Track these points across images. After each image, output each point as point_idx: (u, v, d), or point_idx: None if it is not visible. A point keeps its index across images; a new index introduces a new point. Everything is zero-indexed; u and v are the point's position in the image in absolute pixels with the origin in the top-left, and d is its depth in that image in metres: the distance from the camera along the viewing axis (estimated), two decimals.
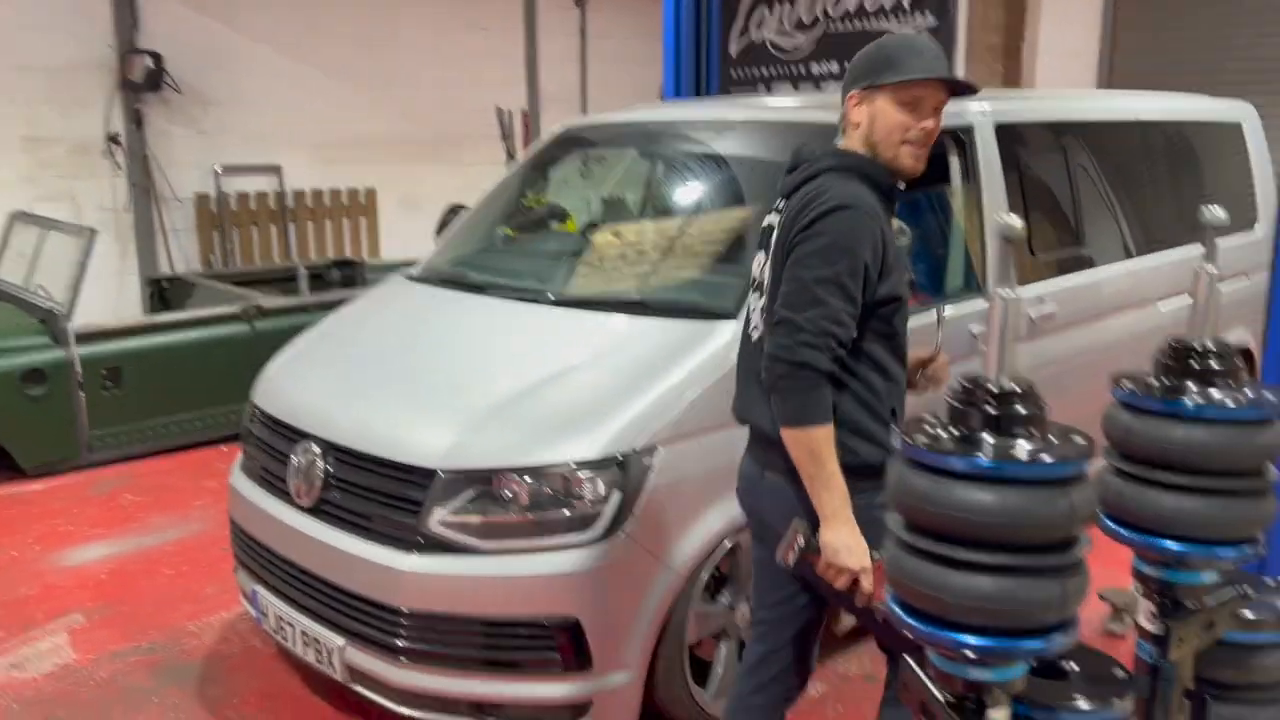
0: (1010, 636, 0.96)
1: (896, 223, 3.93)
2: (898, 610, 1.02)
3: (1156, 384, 1.20)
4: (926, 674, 1.03)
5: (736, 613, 3.22)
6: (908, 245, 3.95)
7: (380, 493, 3.01)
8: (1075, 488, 0.94)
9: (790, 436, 2.04)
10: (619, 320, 3.35)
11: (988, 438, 0.95)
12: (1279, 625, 1.31)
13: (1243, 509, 1.19)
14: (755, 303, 2.35)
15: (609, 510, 2.86)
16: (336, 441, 3.15)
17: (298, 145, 8.19)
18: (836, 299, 2.02)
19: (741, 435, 3.12)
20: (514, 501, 2.88)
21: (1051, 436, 0.96)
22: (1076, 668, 1.16)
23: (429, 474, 2.91)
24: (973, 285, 4.06)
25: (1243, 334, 5.12)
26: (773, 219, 2.36)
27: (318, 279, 6.98)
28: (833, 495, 1.86)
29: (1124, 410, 1.21)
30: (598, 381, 3.10)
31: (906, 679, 1.05)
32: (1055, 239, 4.30)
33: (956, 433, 0.98)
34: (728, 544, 3.11)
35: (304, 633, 3.12)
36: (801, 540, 1.92)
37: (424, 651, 2.90)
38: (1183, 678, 1.25)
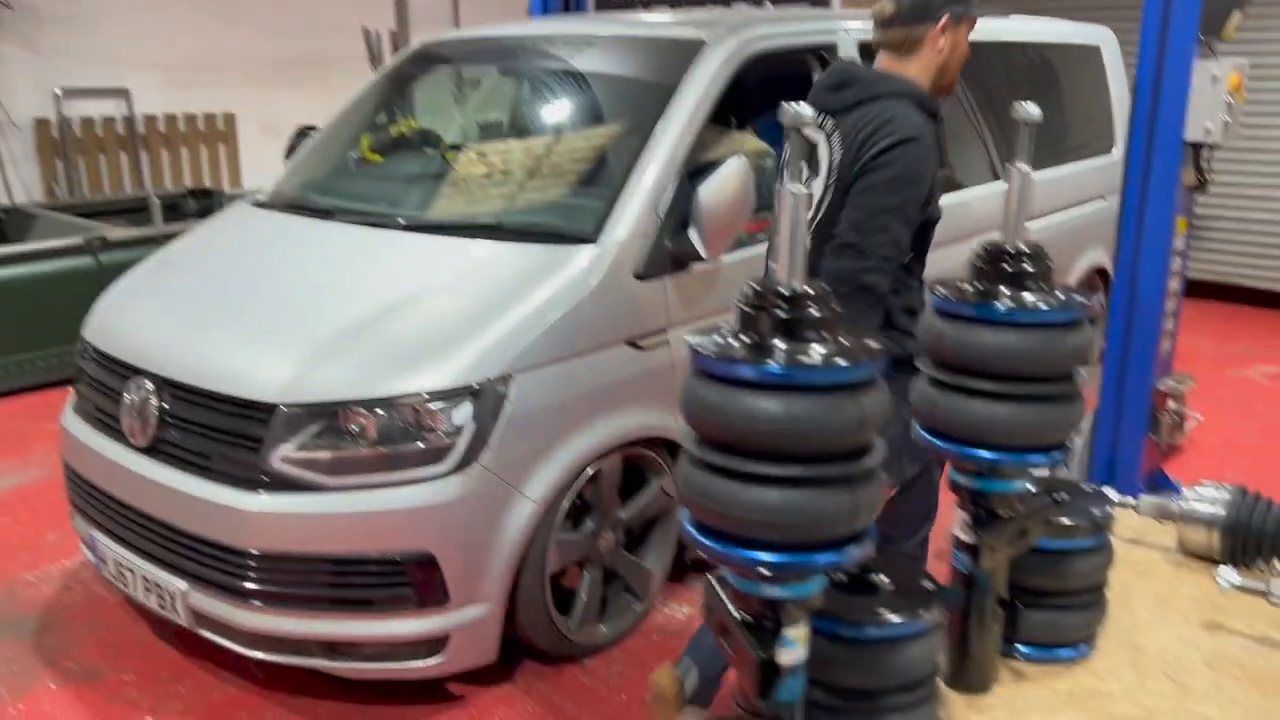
0: (803, 551, 0.91)
1: (762, 145, 3.89)
2: (690, 530, 0.96)
3: (969, 289, 1.16)
4: (725, 594, 0.98)
5: (600, 540, 3.18)
6: (771, 167, 3.92)
7: (219, 430, 2.85)
8: (865, 393, 0.89)
9: None
10: (473, 245, 3.23)
11: (779, 343, 0.88)
12: (1092, 531, 1.31)
13: (1053, 415, 1.16)
14: None
15: (463, 442, 2.77)
16: (171, 377, 2.97)
17: (146, 66, 7.68)
18: (899, 226, 2.20)
19: (598, 362, 3.06)
20: (362, 435, 2.76)
21: (844, 340, 0.90)
22: (887, 581, 1.12)
23: (269, 409, 2.76)
24: None
25: (1100, 255, 5.27)
26: (813, 133, 2.35)
27: (172, 209, 6.61)
28: None
29: (937, 317, 1.17)
30: (449, 309, 2.99)
31: (708, 600, 1.00)
32: None
33: (747, 340, 0.91)
34: (589, 471, 3.05)
35: (145, 578, 2.97)
36: None
37: (272, 593, 2.78)
38: (997, 586, 1.23)
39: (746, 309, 0.92)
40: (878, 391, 0.92)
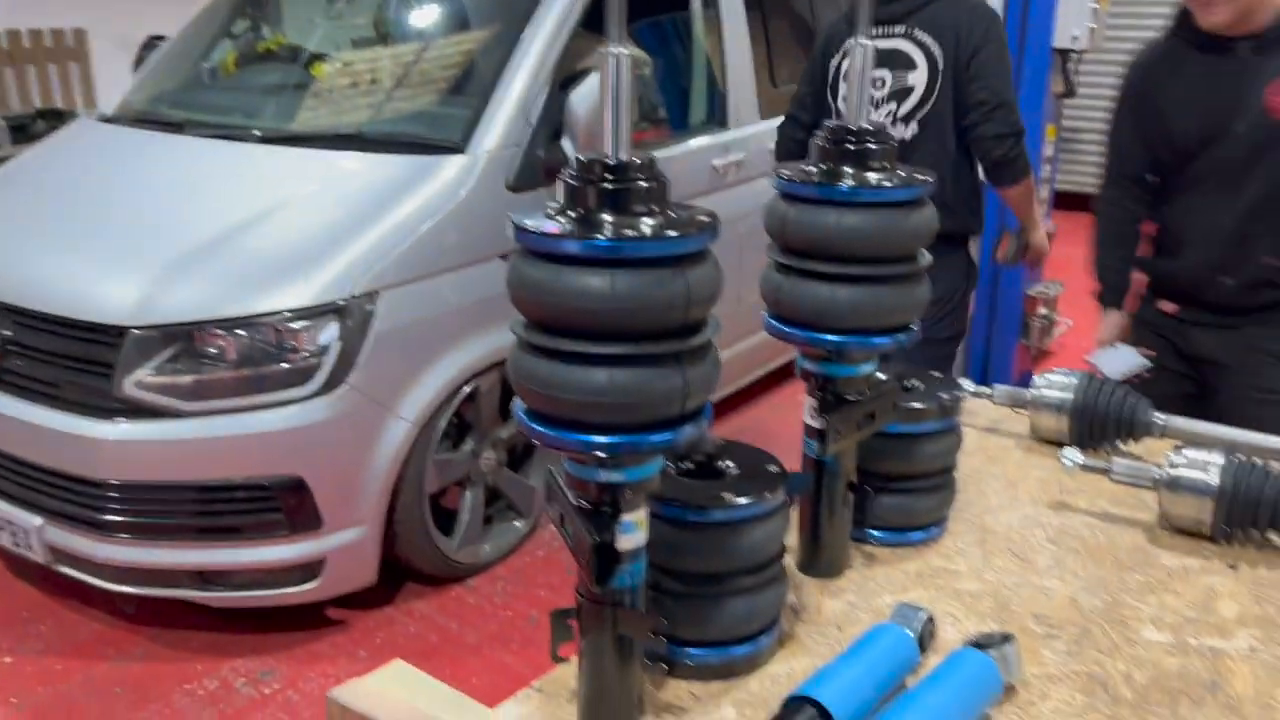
0: (636, 432, 0.87)
1: (640, 53, 3.80)
2: (523, 417, 0.91)
3: (813, 170, 1.13)
4: (562, 481, 0.95)
5: (481, 459, 3.14)
6: (649, 76, 3.84)
7: (68, 356, 2.70)
8: (692, 267, 0.86)
9: (1023, 185, 2.77)
10: (335, 157, 3.09)
11: (606, 217, 0.84)
12: (940, 415, 1.32)
13: (897, 296, 1.15)
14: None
15: (329, 362, 2.68)
16: (13, 303, 2.79)
17: None
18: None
19: (471, 277, 2.98)
20: (221, 358, 2.65)
21: (673, 213, 0.85)
22: (733, 466, 1.11)
23: (119, 332, 2.62)
24: (716, 118, 4.01)
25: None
26: (891, 43, 2.71)
27: (20, 131, 6.18)
28: (1034, 210, 2.90)
29: (781, 200, 1.14)
30: (311, 223, 2.86)
31: (548, 492, 0.96)
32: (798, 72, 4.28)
33: (574, 214, 0.86)
34: (466, 389, 3.00)
35: None
36: (1015, 242, 3.04)
37: (135, 525, 2.67)
38: (845, 471, 1.23)
39: (572, 182, 0.87)
40: (708, 266, 0.89)
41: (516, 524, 3.35)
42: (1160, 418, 1.56)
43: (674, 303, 0.85)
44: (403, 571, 3.08)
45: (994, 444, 1.66)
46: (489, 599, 3.11)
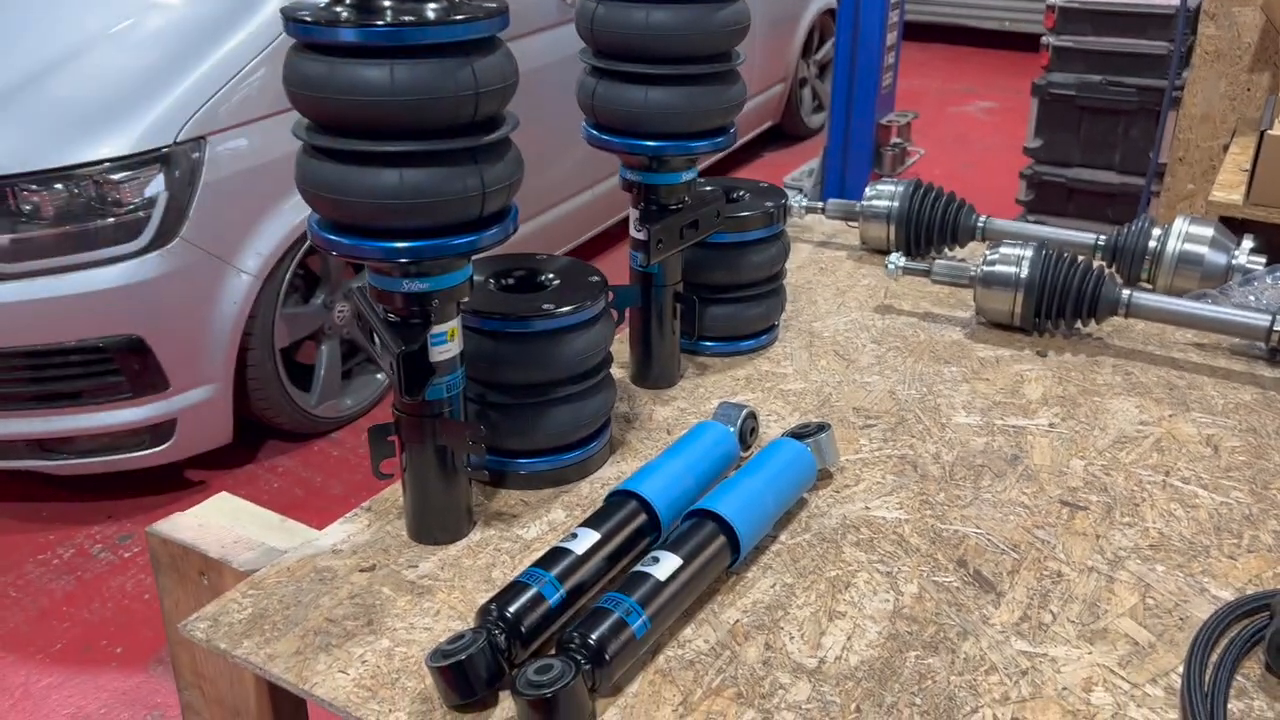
0: (437, 236, 0.85)
1: None
2: (316, 229, 0.88)
3: None
4: (369, 296, 0.92)
5: (334, 312, 3.06)
6: None
7: None
8: (480, 56, 0.82)
9: None
10: None
11: (385, 1, 0.79)
12: (765, 223, 1.32)
13: (712, 97, 1.13)
14: None
15: (157, 214, 2.54)
16: None
17: None
18: None
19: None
20: (37, 214, 2.48)
21: None
22: (555, 279, 1.10)
23: None
24: None
25: None
26: None
27: None
28: None
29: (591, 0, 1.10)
30: (126, 64, 2.66)
31: (354, 310, 0.93)
32: None
33: (352, 1, 0.81)
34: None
35: None
36: None
37: None
38: (671, 282, 1.23)
39: None
40: (498, 55, 0.85)
41: (378, 376, 3.31)
42: (981, 219, 1.61)
43: (461, 95, 0.82)
44: (263, 429, 3.03)
45: (827, 256, 1.70)
46: (353, 451, 3.09)
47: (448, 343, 0.94)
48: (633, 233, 1.21)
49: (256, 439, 3.05)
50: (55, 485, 2.80)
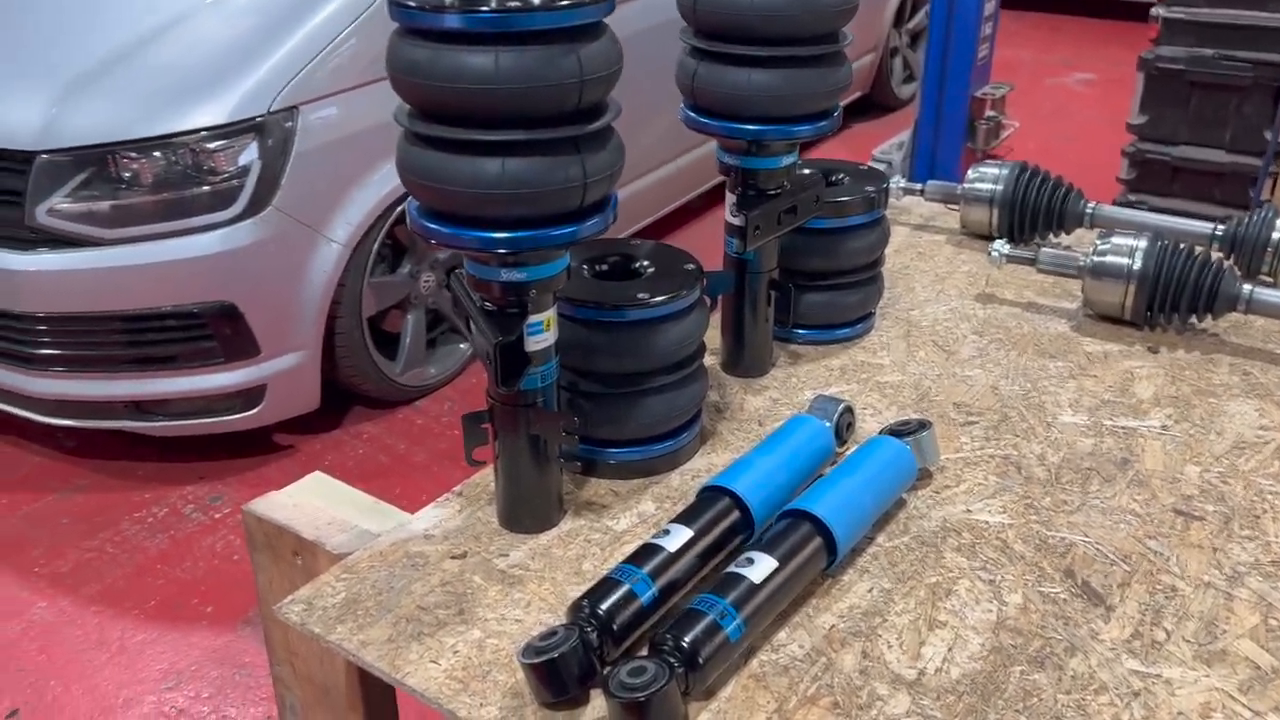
0: (536, 227, 0.83)
1: None
2: (415, 216, 0.87)
3: None
4: (466, 284, 0.91)
5: (419, 281, 3.09)
6: None
7: None
8: (586, 42, 0.80)
9: None
10: None
11: None
12: (865, 209, 1.28)
13: (817, 79, 1.10)
14: None
15: (251, 183, 2.57)
16: None
17: None
18: None
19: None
20: (136, 181, 2.54)
21: None
22: (649, 266, 1.08)
23: (26, 158, 2.49)
24: None
25: None
26: None
27: None
28: None
29: None
30: (221, 34, 2.70)
31: (453, 295, 0.93)
32: None
33: None
34: (399, 210, 2.91)
35: None
36: None
37: (64, 356, 2.62)
38: (767, 269, 1.20)
39: None
40: (603, 41, 0.83)
41: (461, 346, 3.33)
42: (1090, 206, 1.54)
43: (566, 83, 0.80)
44: (349, 396, 3.07)
45: (925, 241, 1.64)
46: (437, 419, 3.12)
47: (544, 332, 0.93)
48: (728, 218, 1.18)
49: (343, 405, 3.10)
50: (151, 446, 2.88)
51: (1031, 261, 1.42)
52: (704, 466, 1.10)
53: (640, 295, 1.02)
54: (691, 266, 1.08)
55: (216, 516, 2.69)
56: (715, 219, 4.41)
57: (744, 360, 1.27)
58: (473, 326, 0.92)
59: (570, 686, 0.80)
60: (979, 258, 1.57)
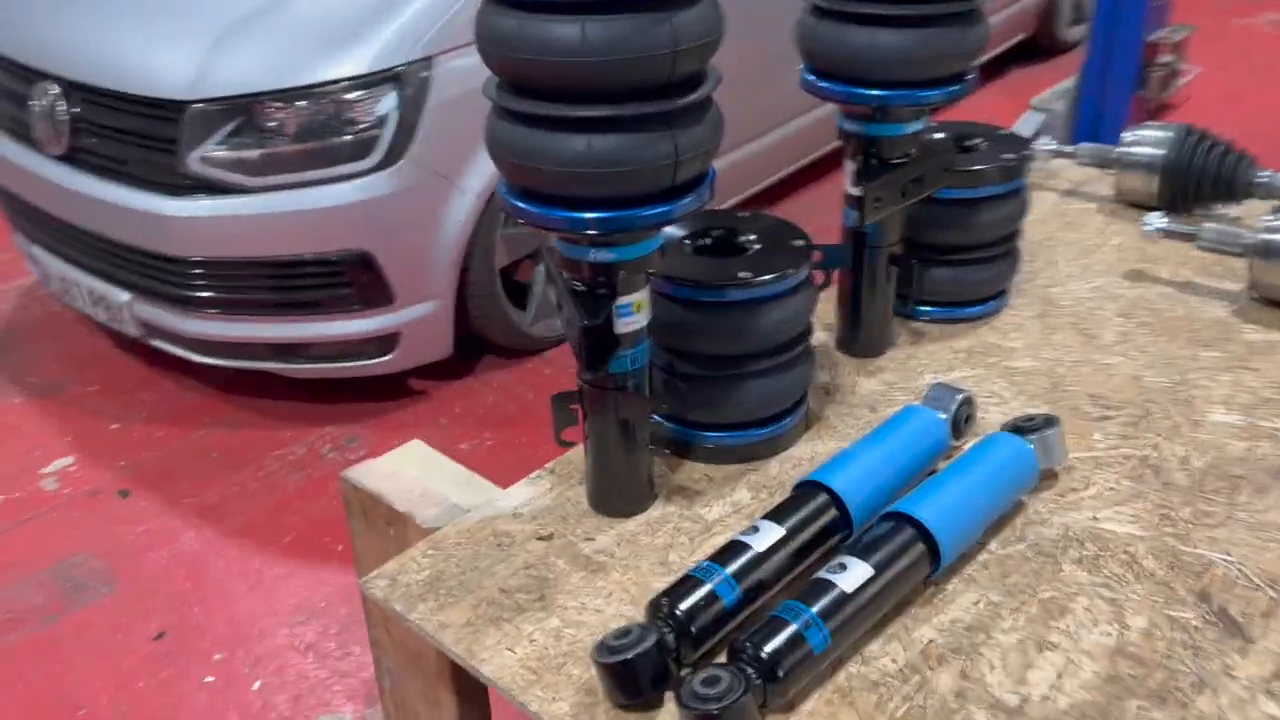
0: (625, 206, 0.79)
1: None
2: (504, 194, 0.84)
3: None
4: (555, 263, 0.88)
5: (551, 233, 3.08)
6: None
7: (132, 133, 2.69)
8: (680, 8, 0.74)
9: None
10: None
11: None
12: (1002, 178, 1.18)
13: (948, 40, 1.01)
14: None
15: (388, 133, 2.60)
16: (76, 79, 2.76)
17: None
18: None
19: None
20: (281, 131, 2.60)
21: None
22: (755, 240, 1.02)
23: (178, 107, 2.58)
24: None
25: None
26: None
27: None
28: None
29: None
30: None
31: (547, 272, 0.89)
32: None
33: None
34: None
35: (90, 291, 2.92)
36: None
37: (212, 299, 2.73)
38: (888, 242, 1.13)
39: None
40: (700, 7, 0.77)
41: None
42: (1264, 174, 1.39)
43: (658, 54, 0.74)
44: (480, 345, 3.12)
45: (1073, 209, 1.52)
46: (564, 370, 3.13)
47: (634, 314, 0.89)
48: (847, 188, 1.11)
49: (474, 354, 3.15)
50: (294, 387, 2.99)
51: (1191, 237, 1.29)
52: (807, 455, 1.05)
53: (742, 274, 0.97)
54: (800, 243, 1.02)
55: (352, 458, 2.78)
56: (837, 183, 4.24)
57: (859, 340, 1.20)
58: (562, 305, 0.88)
59: (644, 689, 0.77)
60: (1132, 229, 1.43)
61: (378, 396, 2.99)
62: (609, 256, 0.85)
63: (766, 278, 0.97)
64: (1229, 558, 0.90)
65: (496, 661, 0.83)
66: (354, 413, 2.95)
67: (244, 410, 2.98)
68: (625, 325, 0.88)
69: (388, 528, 1.02)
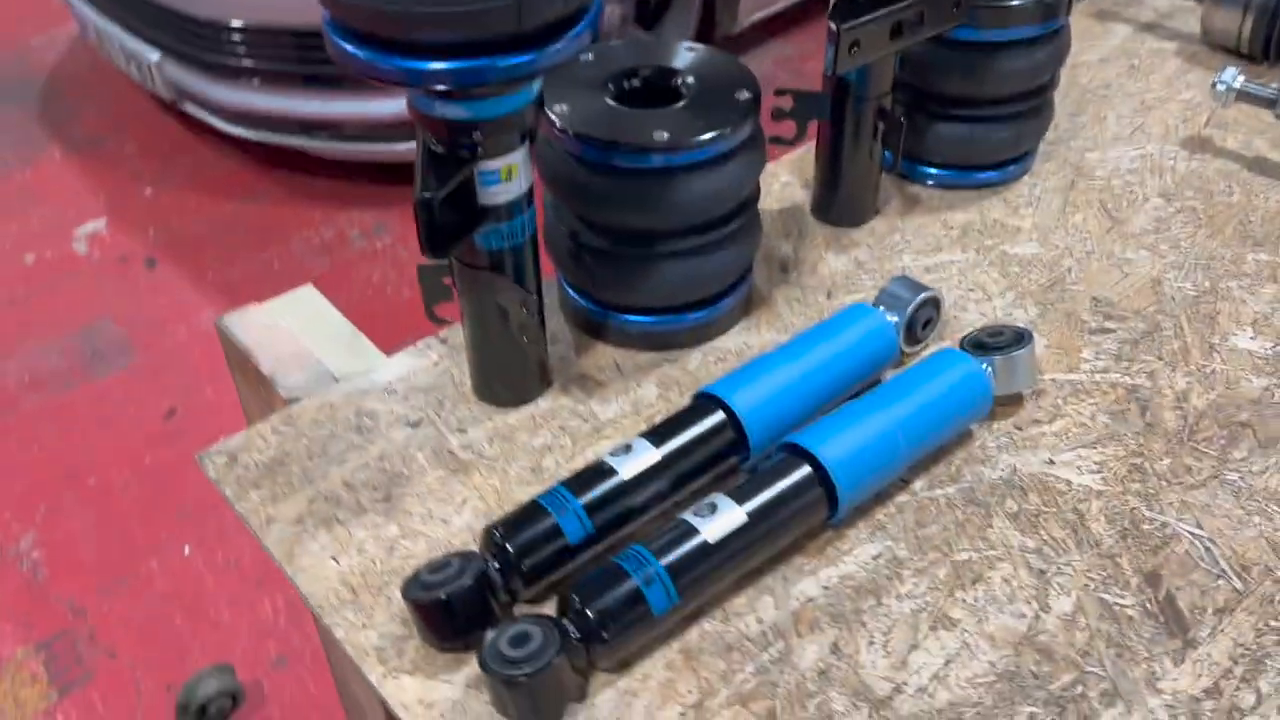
0: (477, 55, 0.63)
1: None
2: (332, 34, 0.68)
3: None
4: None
5: None
6: None
7: None
8: None
9: None
10: None
11: None
12: (1035, 17, 0.96)
13: None
14: None
15: None
16: None
17: None
18: None
19: None
20: None
21: None
22: (693, 86, 0.84)
23: None
24: None
25: None
26: None
27: None
28: None
29: None
30: None
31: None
32: None
33: None
34: None
35: (122, 47, 2.81)
36: None
37: (243, 68, 2.61)
38: (875, 94, 0.93)
39: None
40: None
41: None
42: None
43: None
44: None
45: (1146, 49, 1.26)
46: None
47: (501, 182, 0.73)
48: (831, 22, 0.90)
49: None
50: (327, 168, 2.88)
51: (1272, 103, 1.05)
52: (737, 347, 0.90)
53: (658, 135, 0.79)
54: (746, 95, 0.83)
55: (379, 246, 2.71)
56: None
57: (836, 206, 1.02)
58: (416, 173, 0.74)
59: (459, 631, 0.68)
60: (1210, 83, 1.18)
61: (408, 184, 2.86)
62: (461, 113, 0.69)
63: (699, 138, 0.79)
64: (1199, 530, 0.75)
65: (315, 571, 0.74)
66: (386, 199, 2.85)
67: (277, 185, 2.90)
68: (492, 195, 0.73)
69: (260, 388, 0.92)
